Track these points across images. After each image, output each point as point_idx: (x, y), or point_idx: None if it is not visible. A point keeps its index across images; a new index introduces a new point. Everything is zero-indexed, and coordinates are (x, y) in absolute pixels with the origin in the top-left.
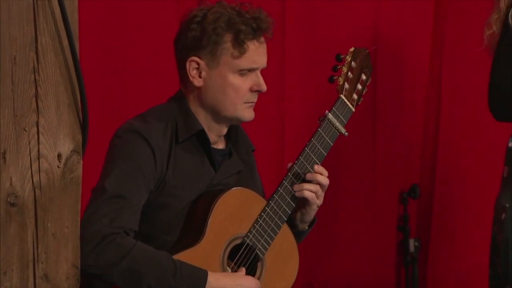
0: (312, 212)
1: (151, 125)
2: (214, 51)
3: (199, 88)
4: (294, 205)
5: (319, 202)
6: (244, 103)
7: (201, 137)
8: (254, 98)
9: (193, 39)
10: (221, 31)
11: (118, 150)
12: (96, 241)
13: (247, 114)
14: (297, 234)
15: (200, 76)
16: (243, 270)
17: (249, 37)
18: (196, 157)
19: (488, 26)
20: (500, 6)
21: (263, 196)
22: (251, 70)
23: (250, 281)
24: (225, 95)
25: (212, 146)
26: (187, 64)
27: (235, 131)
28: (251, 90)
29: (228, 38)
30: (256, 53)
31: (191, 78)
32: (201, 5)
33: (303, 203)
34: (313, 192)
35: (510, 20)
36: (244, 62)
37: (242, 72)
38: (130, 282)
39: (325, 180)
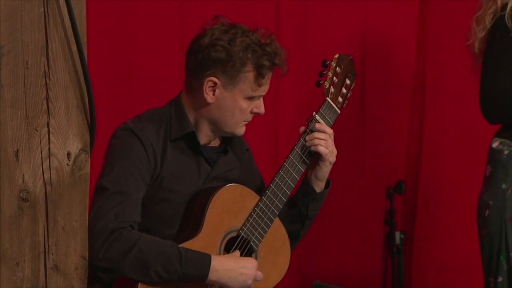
0: (325, 169)
1: (144, 124)
2: (234, 76)
3: (208, 103)
4: (285, 200)
5: (332, 158)
6: (243, 121)
7: (192, 138)
8: (251, 118)
9: (217, 60)
10: (246, 61)
11: (114, 148)
12: (104, 236)
13: (242, 130)
14: (314, 199)
15: (213, 94)
16: (238, 252)
17: (268, 71)
18: (190, 154)
19: (478, 22)
20: (497, 3)
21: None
22: (259, 97)
23: (251, 261)
24: (232, 116)
25: (207, 144)
26: (205, 82)
27: None
28: (251, 111)
29: (250, 68)
30: (267, 82)
31: (205, 95)
32: (220, 20)
33: (316, 160)
34: (323, 146)
35: (509, 22)
36: (257, 92)
37: (251, 98)
38: (139, 272)
39: (329, 130)
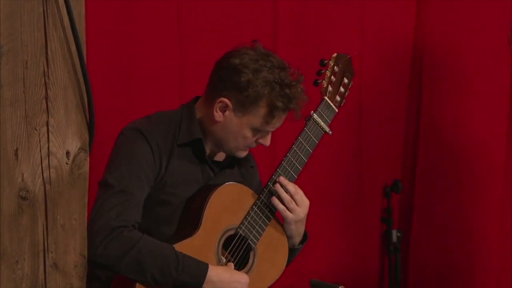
0: (288, 228)
1: (153, 125)
2: (246, 107)
3: (216, 121)
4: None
5: (291, 216)
6: (245, 147)
7: (199, 145)
8: (255, 145)
9: (236, 85)
10: (261, 97)
11: (120, 147)
12: (105, 233)
13: (242, 154)
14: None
15: (223, 114)
16: (231, 265)
17: (280, 113)
18: (196, 161)
19: None
20: None
21: None
22: (267, 131)
23: (245, 277)
24: (234, 140)
25: (212, 157)
26: (218, 100)
27: None
28: (256, 141)
29: (263, 104)
30: (278, 121)
31: (214, 112)
32: (257, 45)
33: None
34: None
35: None
36: (265, 127)
37: (258, 130)
38: (135, 272)
39: (292, 188)
